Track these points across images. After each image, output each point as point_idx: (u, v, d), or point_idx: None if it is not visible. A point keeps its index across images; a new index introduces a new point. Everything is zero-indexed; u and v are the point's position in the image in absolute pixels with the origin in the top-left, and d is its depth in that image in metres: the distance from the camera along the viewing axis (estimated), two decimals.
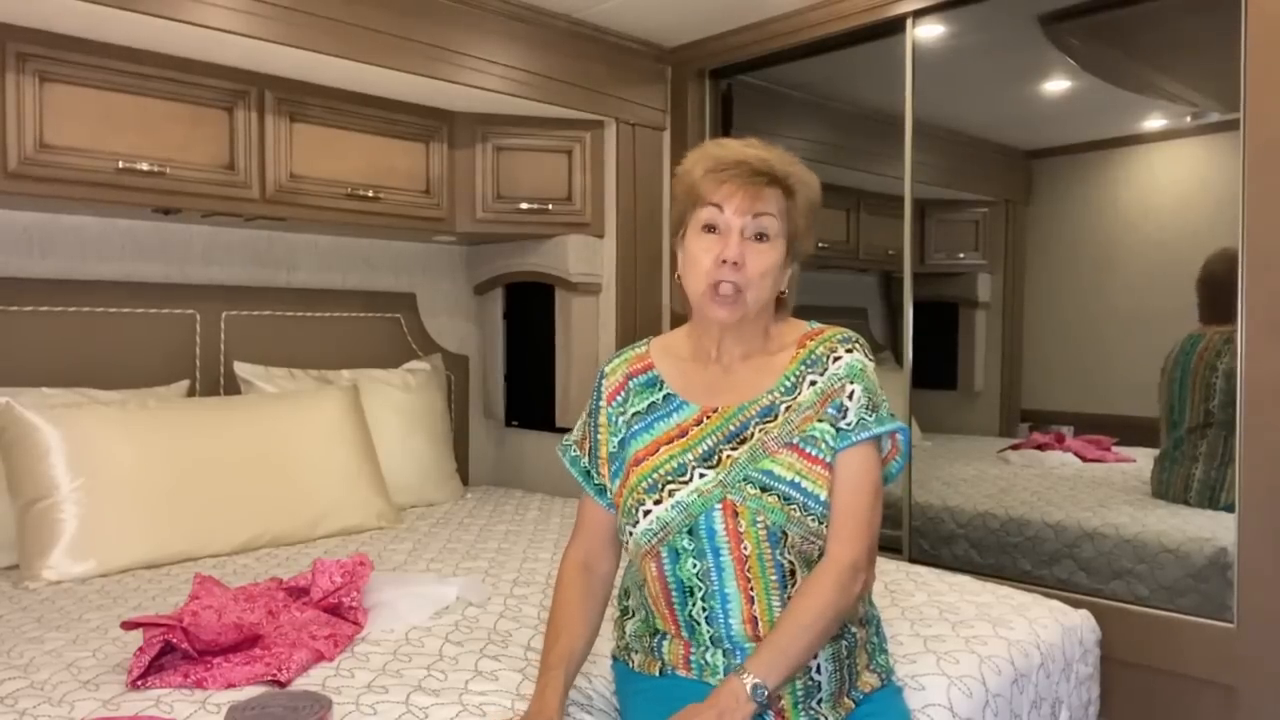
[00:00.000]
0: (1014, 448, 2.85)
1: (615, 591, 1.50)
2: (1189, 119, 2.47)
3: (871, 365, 1.39)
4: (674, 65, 3.21)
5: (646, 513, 1.33)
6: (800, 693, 1.31)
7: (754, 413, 1.36)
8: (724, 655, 1.33)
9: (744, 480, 1.31)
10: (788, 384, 1.37)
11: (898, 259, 2.73)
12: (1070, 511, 2.55)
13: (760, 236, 1.34)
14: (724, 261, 1.32)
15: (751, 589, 1.31)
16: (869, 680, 1.40)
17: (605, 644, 1.64)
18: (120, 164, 2.30)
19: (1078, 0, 2.52)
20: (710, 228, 1.35)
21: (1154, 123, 2.55)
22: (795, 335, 1.42)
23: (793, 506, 1.30)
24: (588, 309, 3.15)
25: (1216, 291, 2.29)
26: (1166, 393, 2.43)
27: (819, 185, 1.41)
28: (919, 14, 2.62)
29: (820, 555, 1.34)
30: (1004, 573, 2.57)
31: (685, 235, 1.41)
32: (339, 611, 1.69)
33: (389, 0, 2.50)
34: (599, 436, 1.44)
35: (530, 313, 3.33)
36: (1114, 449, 2.67)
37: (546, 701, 1.28)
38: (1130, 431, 2.62)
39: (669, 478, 1.34)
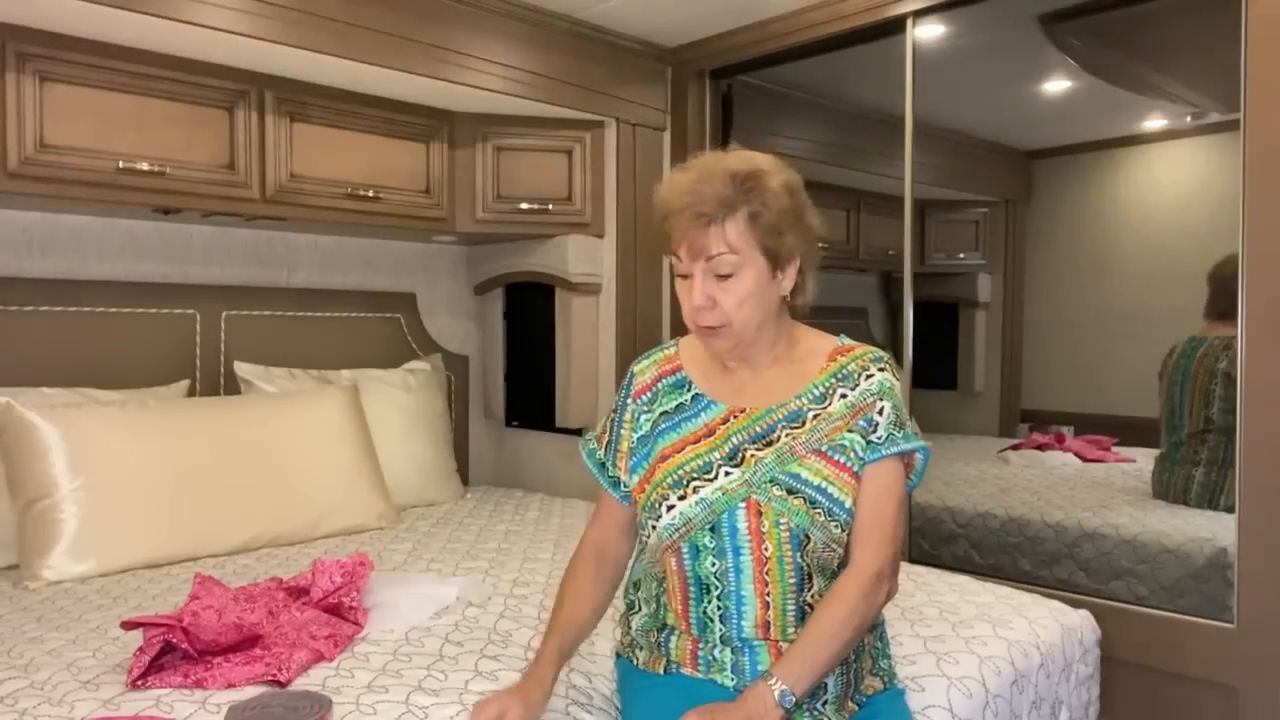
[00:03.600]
0: (1014, 448, 2.85)
1: (623, 584, 1.51)
2: (1189, 119, 2.47)
3: (899, 385, 1.41)
4: (674, 65, 3.21)
5: (670, 508, 1.34)
6: (808, 694, 1.30)
7: (781, 416, 1.37)
8: (733, 653, 1.34)
9: (770, 482, 1.32)
10: (817, 393, 1.39)
11: (898, 259, 2.73)
12: (1070, 511, 2.55)
13: (723, 274, 1.32)
14: (697, 308, 1.34)
15: (768, 592, 1.32)
16: (872, 684, 1.41)
17: (606, 642, 1.64)
18: (120, 164, 2.30)
19: (1078, 0, 2.52)
20: (681, 275, 1.37)
21: (1154, 123, 2.55)
22: (825, 347, 1.43)
23: (818, 511, 1.31)
24: (588, 309, 3.15)
25: (1226, 291, 2.28)
26: (1166, 396, 2.43)
27: (790, 182, 1.35)
28: (919, 14, 2.62)
29: (839, 565, 1.35)
30: (1004, 573, 2.57)
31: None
32: (339, 611, 1.69)
33: (389, 0, 2.50)
34: (621, 431, 1.46)
35: (530, 313, 3.33)
36: (1114, 449, 2.67)
37: (540, 667, 1.33)
38: (1130, 431, 2.62)
39: (694, 474, 1.35)
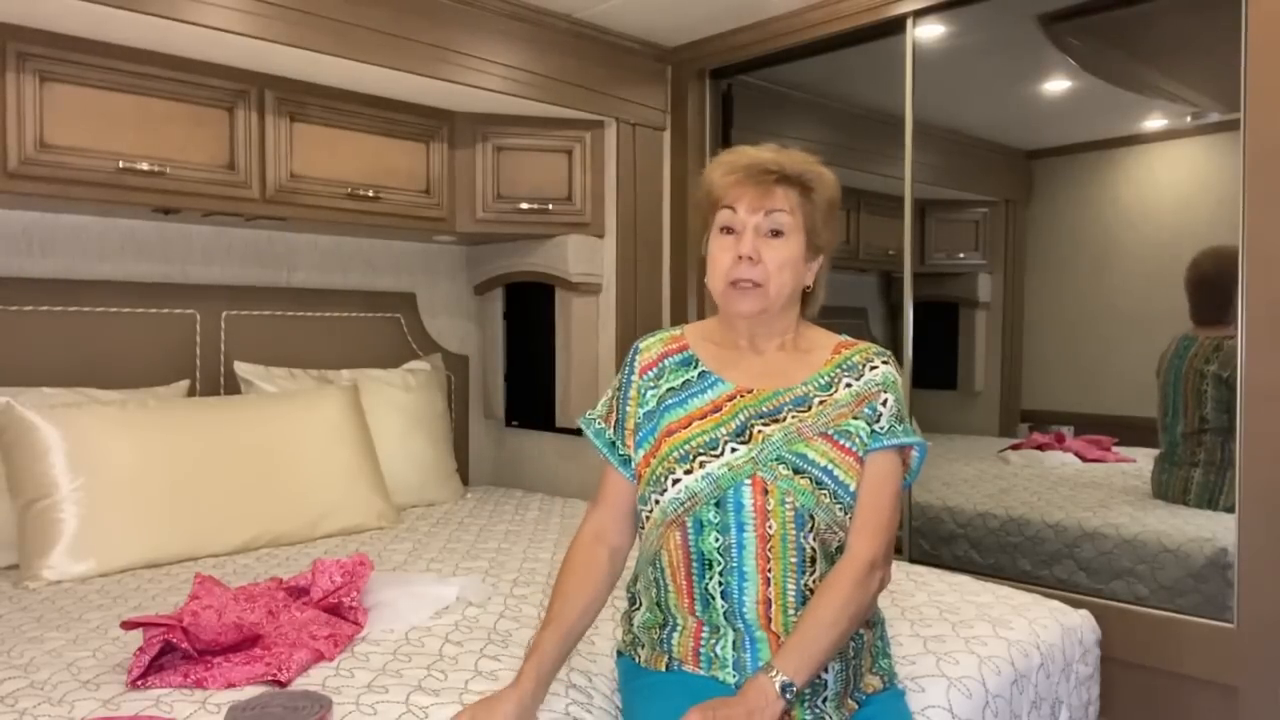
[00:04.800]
0: (1014, 448, 2.85)
1: (620, 589, 1.50)
2: (1189, 119, 2.47)
3: (901, 381, 1.44)
4: (674, 65, 3.21)
5: (676, 481, 1.35)
6: (806, 691, 1.31)
7: (788, 399, 1.40)
8: (734, 648, 1.34)
9: (777, 460, 1.34)
10: (823, 380, 1.42)
11: (898, 259, 2.74)
12: (1070, 511, 2.55)
13: (775, 232, 1.39)
14: (740, 258, 1.38)
15: (769, 570, 1.32)
16: (872, 682, 1.41)
17: (606, 642, 1.64)
18: (120, 164, 2.30)
19: (1078, 0, 2.52)
20: (727, 229, 1.41)
21: (1154, 123, 2.55)
22: (829, 341, 1.48)
23: (824, 491, 1.33)
24: (588, 309, 3.15)
25: (1206, 292, 2.30)
26: (1161, 396, 2.44)
27: (837, 184, 1.45)
28: (919, 14, 2.62)
29: (839, 547, 1.36)
30: (1004, 573, 2.57)
31: (708, 238, 1.45)
32: (339, 611, 1.69)
33: (389, 0, 2.50)
34: (627, 409, 1.45)
35: (530, 313, 3.33)
36: (1114, 449, 2.67)
37: (524, 674, 1.31)
38: (1130, 431, 2.62)
39: (700, 450, 1.36)
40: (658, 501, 1.36)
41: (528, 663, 1.32)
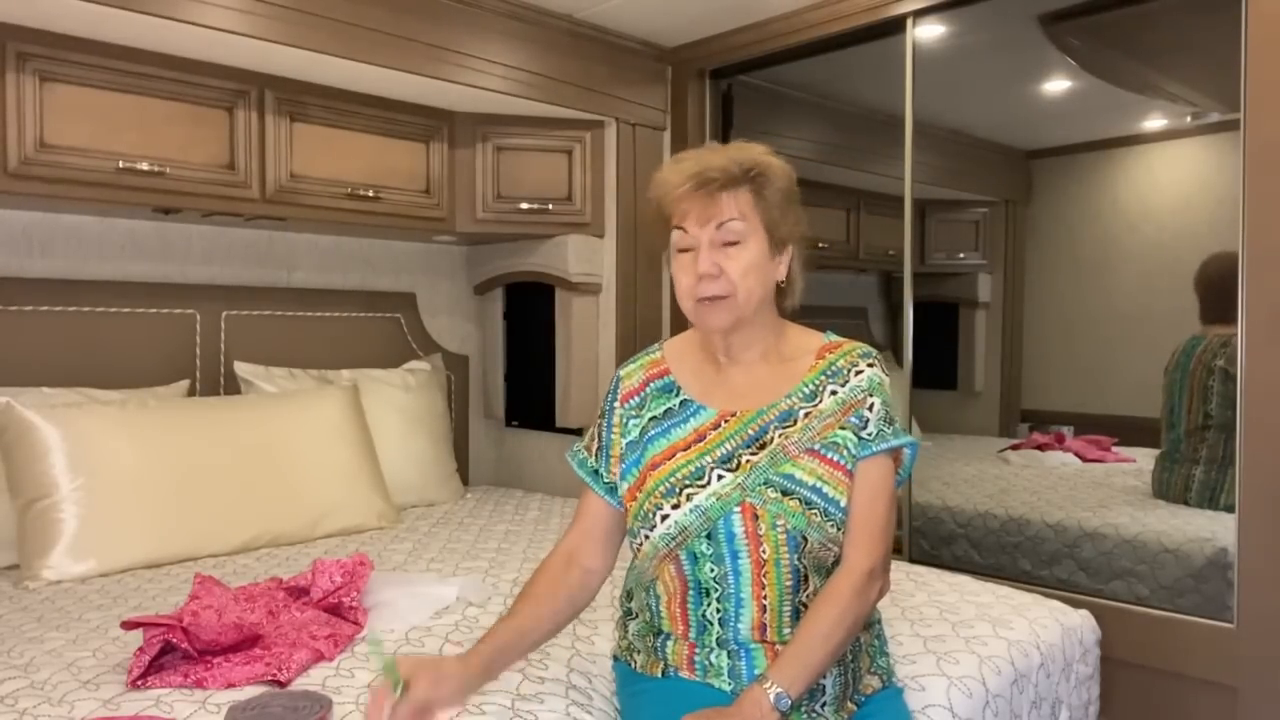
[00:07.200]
0: (1014, 448, 2.85)
1: (617, 594, 1.50)
2: (1189, 119, 2.47)
3: (888, 381, 1.40)
4: (674, 65, 3.21)
5: (664, 517, 1.33)
6: (804, 695, 1.30)
7: (773, 417, 1.36)
8: (729, 657, 1.33)
9: (764, 484, 1.31)
10: (807, 391, 1.38)
11: (898, 259, 2.74)
12: (1070, 511, 2.55)
13: (730, 241, 1.34)
14: (701, 276, 1.34)
15: (765, 596, 1.31)
16: (870, 683, 1.41)
17: (606, 643, 1.64)
18: (120, 164, 2.30)
19: (1078, 0, 2.52)
20: (683, 249, 1.37)
21: (1154, 123, 2.55)
22: (813, 344, 1.43)
23: (814, 511, 1.31)
24: (588, 309, 3.15)
25: (1214, 293, 2.30)
26: (1166, 394, 2.44)
27: (789, 171, 1.39)
28: (919, 14, 2.62)
29: (834, 562, 1.34)
30: (1004, 573, 2.57)
31: (670, 258, 1.42)
32: (339, 611, 1.69)
33: (389, 0, 2.50)
34: (611, 436, 1.43)
35: (530, 313, 3.33)
36: (1114, 449, 2.67)
37: (475, 652, 1.28)
38: (1130, 431, 2.62)
39: (686, 481, 1.33)
40: (648, 537, 1.35)
41: (481, 644, 1.29)
